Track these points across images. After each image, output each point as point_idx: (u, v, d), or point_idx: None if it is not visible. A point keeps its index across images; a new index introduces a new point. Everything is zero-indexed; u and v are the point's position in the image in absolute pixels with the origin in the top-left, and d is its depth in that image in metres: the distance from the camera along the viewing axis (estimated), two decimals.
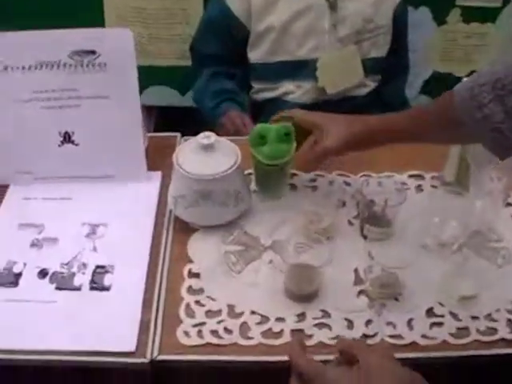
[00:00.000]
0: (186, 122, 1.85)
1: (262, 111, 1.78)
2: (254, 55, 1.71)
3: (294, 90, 1.72)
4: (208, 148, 1.19)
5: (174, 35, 2.07)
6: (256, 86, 1.77)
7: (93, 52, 1.24)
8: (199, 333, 1.07)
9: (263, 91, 1.76)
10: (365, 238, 1.22)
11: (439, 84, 2.02)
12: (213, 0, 1.77)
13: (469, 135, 1.05)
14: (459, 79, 1.62)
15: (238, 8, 1.67)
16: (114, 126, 1.30)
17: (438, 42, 2.04)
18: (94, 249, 1.22)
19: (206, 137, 1.19)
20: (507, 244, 1.21)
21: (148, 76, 2.07)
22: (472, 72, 1.15)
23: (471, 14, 2.01)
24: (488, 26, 2.03)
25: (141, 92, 2.04)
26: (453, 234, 1.18)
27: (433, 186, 1.34)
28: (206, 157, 1.19)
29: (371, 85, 1.78)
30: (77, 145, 1.32)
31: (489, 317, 1.09)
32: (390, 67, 1.80)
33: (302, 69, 1.68)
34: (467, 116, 1.01)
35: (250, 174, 1.33)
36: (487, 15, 2.01)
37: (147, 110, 2.26)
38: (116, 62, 1.26)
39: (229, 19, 1.69)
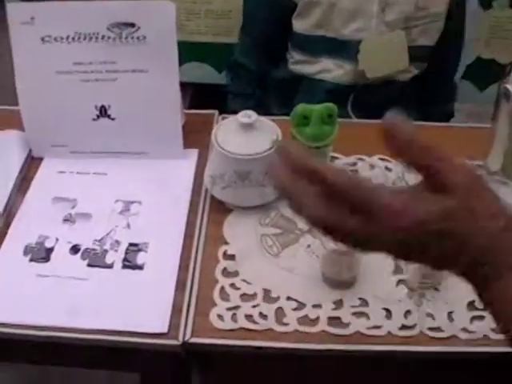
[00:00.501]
0: (221, 99, 1.82)
1: (298, 87, 1.73)
2: (299, 25, 1.66)
3: (333, 68, 1.66)
4: (248, 127, 1.16)
5: (211, 11, 2.03)
6: (296, 56, 1.71)
7: (132, 25, 1.21)
8: (233, 316, 1.04)
9: (302, 63, 1.70)
10: None
11: (482, 70, 1.97)
12: None
13: None
14: (502, 66, 1.57)
15: None
16: (151, 101, 1.27)
17: (484, 27, 1.98)
18: (128, 226, 1.19)
19: (247, 115, 1.16)
20: None
21: (184, 52, 2.03)
22: None
23: None
24: None
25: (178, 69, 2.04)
26: None
27: None
28: (245, 136, 1.16)
29: (415, 71, 1.71)
30: (113, 119, 1.29)
31: None
32: (440, 55, 1.72)
33: (344, 48, 1.63)
34: None
35: None
36: None
37: (183, 86, 2.24)
38: (156, 36, 1.22)
39: None
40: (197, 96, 2.23)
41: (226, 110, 1.51)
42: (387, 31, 1.61)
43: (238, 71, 1.82)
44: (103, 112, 1.29)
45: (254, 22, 1.77)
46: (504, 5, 1.95)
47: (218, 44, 2.08)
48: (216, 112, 1.45)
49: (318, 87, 1.68)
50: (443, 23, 1.65)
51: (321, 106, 1.19)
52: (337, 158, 1.32)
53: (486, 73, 1.89)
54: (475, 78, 2.00)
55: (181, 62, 2.02)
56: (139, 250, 1.15)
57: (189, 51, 2.08)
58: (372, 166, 1.30)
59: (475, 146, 1.31)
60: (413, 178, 1.11)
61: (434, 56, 1.71)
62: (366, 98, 1.66)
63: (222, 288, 1.08)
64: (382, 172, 1.29)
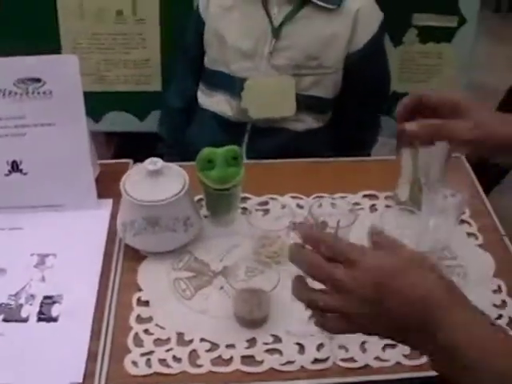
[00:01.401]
0: (145, 148, 1.84)
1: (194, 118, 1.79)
2: (206, 58, 1.73)
3: (224, 103, 1.69)
4: (155, 174, 1.18)
5: (130, 60, 2.06)
6: (201, 87, 1.77)
7: (38, 80, 1.23)
8: (147, 362, 1.05)
9: (204, 94, 1.75)
10: None
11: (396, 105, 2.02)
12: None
13: None
14: None
15: (201, 5, 1.70)
16: (61, 153, 1.29)
17: (396, 62, 2.04)
18: (43, 279, 1.20)
19: (153, 162, 1.18)
20: (461, 261, 1.21)
21: (106, 102, 2.07)
22: None
23: (427, 34, 2.02)
24: (444, 46, 2.04)
25: (99, 118, 2.06)
26: None
27: (387, 206, 1.34)
28: (153, 182, 1.18)
29: (311, 123, 1.70)
30: (25, 174, 1.30)
31: None
32: (346, 105, 1.74)
33: (233, 84, 1.66)
34: None
35: (201, 199, 1.31)
36: (443, 35, 2.02)
37: (107, 136, 2.26)
38: (62, 90, 1.24)
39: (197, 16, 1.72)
40: (121, 145, 2.25)
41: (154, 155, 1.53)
42: (276, 75, 1.63)
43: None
44: (15, 167, 1.29)
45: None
46: (413, 40, 2.02)
47: (139, 92, 2.10)
48: (131, 161, 1.47)
49: (213, 120, 1.72)
50: (339, 77, 1.66)
51: (225, 148, 1.22)
52: (249, 198, 1.34)
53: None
54: (392, 112, 2.05)
55: (103, 112, 2.09)
56: (54, 303, 1.15)
57: (110, 101, 2.09)
58: (283, 206, 1.32)
59: (385, 176, 1.36)
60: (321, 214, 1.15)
61: (340, 106, 1.73)
62: (260, 143, 1.67)
63: (136, 334, 1.09)
64: (292, 210, 1.31)
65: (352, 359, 1.06)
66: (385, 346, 1.07)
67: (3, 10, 1.94)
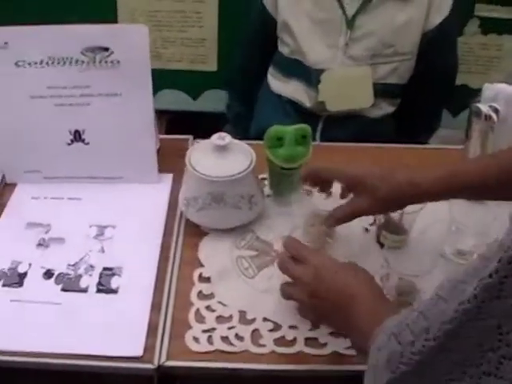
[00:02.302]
0: (197, 127, 1.83)
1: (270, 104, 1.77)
2: (280, 46, 1.70)
3: (301, 92, 1.68)
4: (222, 149, 1.16)
5: (187, 39, 2.04)
6: (274, 74, 1.75)
7: (106, 49, 1.21)
8: (209, 339, 1.03)
9: (278, 81, 1.73)
10: (381, 245, 1.18)
11: (455, 95, 1.98)
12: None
13: None
14: (475, 91, 1.58)
15: (269, 3, 1.68)
16: (125, 125, 1.27)
17: None
18: (102, 250, 1.19)
19: (221, 138, 1.16)
20: None
21: (160, 80, 2.04)
22: None
23: (489, 25, 1.98)
24: (505, 38, 2.00)
25: (153, 95, 2.04)
26: (471, 243, 1.15)
27: None
28: (219, 158, 1.16)
29: (387, 108, 1.70)
30: (87, 144, 1.29)
31: None
32: (414, 93, 1.71)
33: (310, 76, 1.64)
34: None
35: (263, 178, 1.29)
36: (505, 27, 1.98)
37: (159, 113, 2.24)
38: (130, 60, 1.22)
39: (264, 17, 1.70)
40: (173, 123, 2.24)
41: (203, 136, 1.52)
42: (353, 65, 1.61)
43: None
44: (77, 137, 1.28)
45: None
46: (475, 31, 1.98)
47: (193, 71, 2.09)
48: (191, 137, 1.46)
49: (288, 106, 1.69)
50: (414, 62, 1.64)
51: (294, 127, 1.20)
52: None
53: (458, 98, 1.90)
54: (448, 103, 2.02)
55: (156, 90, 2.06)
56: (113, 274, 1.14)
57: (164, 79, 2.09)
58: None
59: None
60: None
61: (408, 93, 1.70)
62: (335, 131, 1.66)
63: (198, 310, 1.07)
64: None
65: None
66: None
67: None
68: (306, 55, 1.62)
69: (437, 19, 1.58)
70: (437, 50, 1.62)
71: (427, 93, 1.71)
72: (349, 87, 1.62)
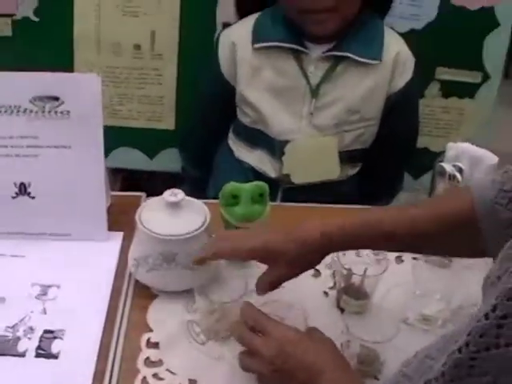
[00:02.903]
0: (153, 186, 1.77)
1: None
2: (239, 115, 1.65)
3: (266, 163, 1.62)
4: (175, 206, 1.10)
5: (145, 96, 2.00)
6: (234, 139, 1.70)
7: (56, 98, 1.16)
8: None
9: (240, 148, 1.68)
10: (341, 310, 1.12)
11: (415, 159, 1.96)
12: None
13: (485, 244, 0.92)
14: (435, 154, 1.55)
15: (226, 72, 1.63)
16: (74, 179, 1.21)
17: None
18: (44, 311, 1.11)
19: (173, 194, 1.11)
20: None
21: (116, 137, 1.99)
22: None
23: (450, 89, 1.97)
24: (466, 102, 1.99)
25: (108, 153, 1.98)
26: (436, 308, 1.10)
27: (414, 258, 1.26)
28: (172, 216, 1.10)
29: (349, 171, 1.66)
30: (33, 198, 1.22)
31: None
32: (377, 155, 1.67)
33: (274, 147, 1.59)
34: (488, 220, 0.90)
35: None
36: (466, 90, 1.98)
37: (113, 172, 2.18)
38: (81, 111, 1.17)
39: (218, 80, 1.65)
40: (128, 182, 2.17)
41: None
42: (318, 134, 1.56)
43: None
44: (23, 190, 1.22)
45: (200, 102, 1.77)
46: (436, 94, 1.97)
47: (150, 130, 2.03)
48: (144, 194, 1.40)
49: (249, 174, 1.64)
50: (377, 127, 1.60)
51: (251, 184, 1.15)
52: None
53: (419, 161, 1.88)
54: (409, 166, 2.00)
55: (112, 148, 2.01)
56: (55, 338, 1.06)
57: (120, 136, 2.02)
58: None
59: None
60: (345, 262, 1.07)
61: (370, 156, 1.67)
62: (296, 195, 1.57)
63: (144, 379, 0.99)
64: None
65: None
66: None
67: (18, 38, 1.88)
68: (268, 126, 1.58)
69: (400, 82, 1.56)
70: (400, 113, 1.60)
71: (389, 156, 1.68)
72: (314, 159, 1.58)
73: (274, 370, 0.89)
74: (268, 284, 1.03)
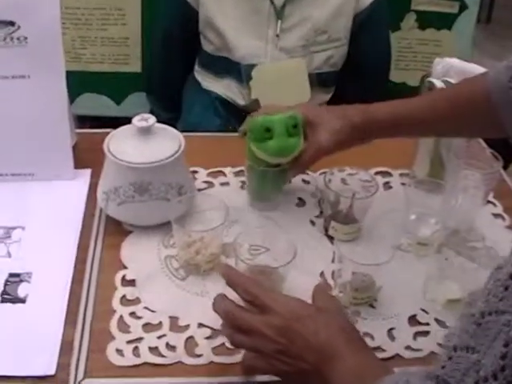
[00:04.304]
0: None
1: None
2: (204, 44, 1.56)
3: (234, 90, 1.56)
4: (146, 132, 1.02)
5: (108, 38, 1.89)
6: (202, 73, 1.61)
7: (11, 23, 1.06)
8: (135, 350, 0.88)
9: (207, 78, 1.60)
10: (330, 238, 1.05)
11: (393, 94, 1.89)
12: None
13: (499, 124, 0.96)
14: (414, 88, 1.47)
15: None
16: (35, 111, 1.12)
17: (393, 49, 1.91)
18: (8, 255, 1.02)
19: (144, 119, 1.02)
20: (490, 243, 1.07)
21: (80, 83, 1.90)
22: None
23: (427, 20, 1.90)
24: (444, 33, 1.92)
25: (73, 100, 1.87)
26: (431, 232, 1.03)
27: (403, 184, 1.19)
28: (143, 143, 1.02)
29: (322, 97, 1.60)
30: None
31: None
32: (348, 79, 1.62)
33: (240, 72, 1.52)
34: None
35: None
36: (443, 21, 1.90)
37: (80, 119, 2.08)
38: (39, 36, 1.08)
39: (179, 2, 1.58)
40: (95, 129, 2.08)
41: None
42: (286, 58, 1.50)
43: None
44: None
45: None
46: (412, 26, 1.90)
47: (116, 73, 1.93)
48: (112, 130, 1.30)
49: (217, 104, 1.58)
50: (347, 48, 1.56)
51: (283, 115, 1.04)
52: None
53: (397, 96, 1.81)
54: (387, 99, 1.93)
55: (77, 94, 1.91)
56: (21, 281, 0.98)
57: (84, 82, 1.93)
58: (289, 181, 1.17)
59: (397, 154, 1.23)
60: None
61: (342, 81, 1.62)
62: None
63: (121, 318, 0.92)
64: (298, 184, 1.16)
65: (380, 348, 0.90)
66: (416, 334, 0.92)
67: None
68: (232, 51, 1.51)
69: (367, 0, 1.52)
70: (368, 33, 1.57)
71: (360, 79, 1.64)
72: (283, 82, 1.51)
73: (277, 350, 0.77)
74: (308, 158, 1.04)
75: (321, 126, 1.03)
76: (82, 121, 2.05)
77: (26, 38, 1.07)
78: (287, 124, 1.03)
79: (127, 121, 1.83)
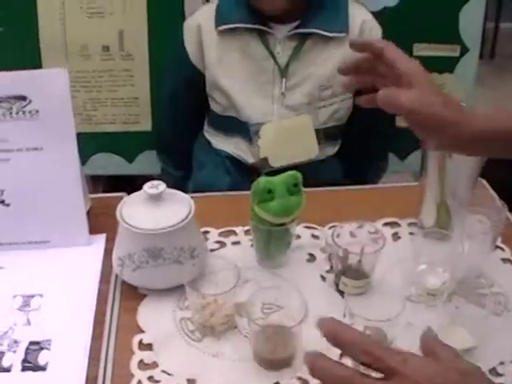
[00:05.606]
0: (134, 190, 1.71)
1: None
2: (212, 105, 1.60)
3: (243, 149, 1.58)
4: (156, 199, 1.05)
5: (118, 99, 1.94)
6: (209, 129, 1.65)
7: (23, 97, 1.10)
8: None
9: (216, 137, 1.63)
10: (341, 293, 1.07)
11: (401, 139, 1.92)
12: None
13: None
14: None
15: (194, 58, 1.58)
16: (50, 182, 1.15)
17: None
18: (28, 323, 1.04)
19: (154, 186, 1.05)
20: (500, 289, 1.08)
21: (93, 144, 1.94)
22: None
23: (429, 64, 1.92)
24: (446, 77, 1.95)
25: (85, 161, 1.92)
26: (440, 281, 1.05)
27: (411, 233, 1.21)
28: (154, 209, 1.04)
29: (329, 150, 1.62)
30: (7, 205, 1.16)
31: (493, 371, 0.94)
32: (355, 130, 1.64)
33: (248, 131, 1.54)
34: None
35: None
36: (445, 65, 1.93)
37: (93, 179, 2.12)
38: (50, 109, 1.11)
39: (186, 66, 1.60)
40: (108, 188, 2.11)
41: None
42: (292, 115, 1.52)
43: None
44: None
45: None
46: None
47: (127, 133, 1.98)
48: (125, 194, 1.33)
49: (227, 163, 1.60)
50: (352, 101, 1.55)
51: (284, 175, 1.07)
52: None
53: (404, 141, 1.84)
54: (394, 147, 1.95)
55: (90, 154, 1.95)
56: (41, 349, 1.00)
57: (96, 142, 1.97)
58: (298, 236, 1.19)
59: (403, 203, 1.25)
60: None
61: (348, 132, 1.63)
62: None
63: (139, 382, 0.93)
64: (308, 240, 1.19)
65: None
66: None
67: None
68: (239, 111, 1.54)
69: None
70: None
71: (366, 131, 1.65)
72: (291, 139, 1.53)
73: None
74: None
75: (419, 85, 0.89)
76: (95, 180, 2.11)
77: (37, 112, 1.11)
78: (288, 183, 1.07)
79: (139, 178, 1.88)
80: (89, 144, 1.90)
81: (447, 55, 1.92)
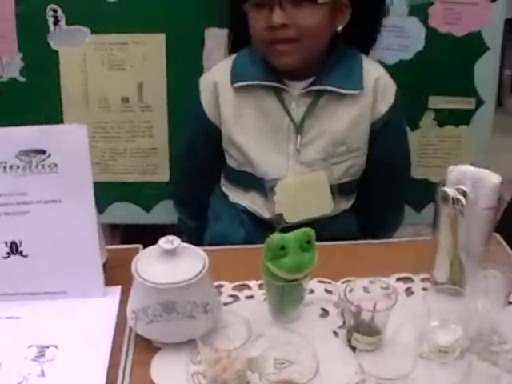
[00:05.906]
0: (152, 240, 1.73)
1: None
2: (228, 160, 1.62)
3: (260, 204, 1.58)
4: (171, 254, 1.06)
5: (136, 149, 1.97)
6: (225, 183, 1.67)
7: (42, 152, 1.13)
8: None
9: (233, 191, 1.64)
10: (353, 349, 1.07)
11: (416, 191, 1.93)
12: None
13: None
14: (436, 185, 1.51)
15: (211, 114, 1.59)
16: (67, 234, 1.17)
17: (413, 147, 1.95)
18: (42, 373, 1.05)
19: (169, 241, 1.07)
20: None
21: (111, 193, 1.97)
22: None
23: (445, 117, 1.94)
24: (462, 130, 1.97)
25: (103, 210, 1.94)
26: (453, 338, 1.05)
27: (424, 289, 1.21)
28: (168, 264, 1.06)
29: (343, 205, 1.61)
30: (25, 256, 1.18)
31: None
32: (369, 185, 1.63)
33: (263, 187, 1.54)
34: None
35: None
36: (461, 118, 1.95)
37: (111, 228, 2.15)
38: (68, 163, 1.14)
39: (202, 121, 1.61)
40: (126, 237, 2.13)
41: None
42: (306, 171, 1.53)
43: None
44: (14, 249, 1.18)
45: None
46: (430, 124, 1.94)
47: (145, 183, 2.00)
48: (140, 246, 1.35)
49: (243, 216, 1.61)
50: (365, 156, 1.57)
51: (297, 232, 1.09)
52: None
53: (420, 193, 1.85)
54: (410, 199, 1.96)
55: (108, 203, 1.98)
56: None
57: (114, 192, 1.99)
58: (311, 291, 1.21)
59: (417, 258, 1.26)
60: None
61: (362, 187, 1.63)
62: None
63: None
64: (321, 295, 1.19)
65: None
66: None
67: (6, 98, 1.86)
68: (255, 167, 1.54)
69: (382, 108, 1.53)
70: (385, 139, 1.56)
71: (381, 185, 1.64)
72: (306, 195, 1.54)
73: None
74: None
75: None
76: (113, 228, 2.13)
77: (56, 165, 1.14)
78: (301, 240, 1.08)
79: (157, 227, 1.90)
80: (107, 193, 1.93)
81: (463, 108, 1.93)
